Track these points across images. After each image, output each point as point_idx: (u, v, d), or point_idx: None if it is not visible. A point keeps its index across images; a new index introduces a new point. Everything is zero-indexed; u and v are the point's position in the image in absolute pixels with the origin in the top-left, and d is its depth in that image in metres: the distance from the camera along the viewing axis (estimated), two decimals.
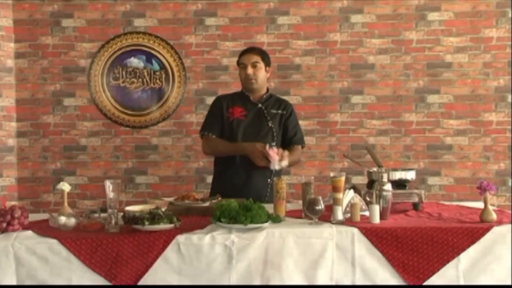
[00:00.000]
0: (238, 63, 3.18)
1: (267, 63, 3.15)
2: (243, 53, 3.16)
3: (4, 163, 4.34)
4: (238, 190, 2.91)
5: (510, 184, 4.29)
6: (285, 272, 2.17)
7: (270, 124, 3.11)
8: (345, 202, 2.41)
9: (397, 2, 4.32)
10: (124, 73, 4.41)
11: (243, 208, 2.27)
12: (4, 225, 2.20)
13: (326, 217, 2.36)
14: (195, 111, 4.39)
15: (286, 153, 2.86)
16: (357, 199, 2.45)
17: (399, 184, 2.67)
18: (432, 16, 4.30)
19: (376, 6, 4.33)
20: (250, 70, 3.08)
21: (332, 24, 4.35)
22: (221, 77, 4.36)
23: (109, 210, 2.24)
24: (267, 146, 2.85)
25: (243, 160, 3.01)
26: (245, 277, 2.17)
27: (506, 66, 4.28)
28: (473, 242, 2.20)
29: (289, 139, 3.16)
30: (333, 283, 2.19)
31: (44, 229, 2.29)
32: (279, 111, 3.16)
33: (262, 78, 3.13)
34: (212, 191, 3.17)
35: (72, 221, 2.29)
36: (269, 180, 3.05)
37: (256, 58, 3.09)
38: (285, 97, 4.29)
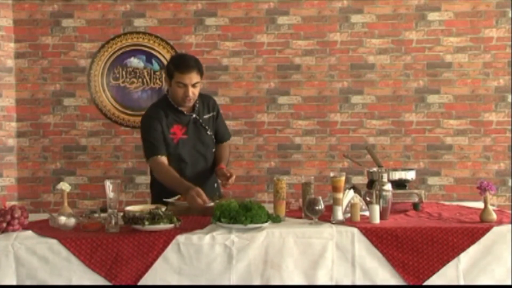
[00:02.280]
0: (172, 76, 2.84)
1: (202, 75, 2.91)
2: (182, 70, 2.80)
3: (4, 163, 4.34)
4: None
5: (510, 184, 4.29)
6: (285, 272, 2.17)
7: (209, 133, 3.00)
8: (345, 202, 2.41)
9: (397, 2, 4.32)
10: (124, 73, 4.41)
11: (243, 208, 2.27)
12: (4, 225, 2.20)
13: (326, 217, 2.36)
14: None
15: (233, 178, 2.85)
16: (357, 199, 2.46)
17: (399, 184, 2.68)
18: (432, 16, 4.30)
19: (376, 6, 4.33)
20: (191, 92, 2.82)
21: (332, 24, 4.34)
22: (221, 77, 4.36)
23: (109, 210, 2.25)
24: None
25: (189, 156, 2.93)
26: (245, 277, 2.17)
27: (506, 66, 4.28)
28: (473, 242, 2.21)
29: (219, 138, 3.11)
30: (333, 283, 2.19)
31: (44, 229, 2.29)
32: (210, 114, 3.03)
33: (198, 93, 2.92)
34: (153, 198, 3.03)
35: (72, 221, 2.30)
36: (215, 184, 3.05)
37: (196, 78, 2.82)
38: (285, 97, 4.36)
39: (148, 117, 2.98)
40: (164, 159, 2.87)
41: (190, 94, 2.83)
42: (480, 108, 4.30)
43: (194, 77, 2.82)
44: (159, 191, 2.88)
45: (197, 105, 2.98)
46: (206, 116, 3.01)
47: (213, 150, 3.06)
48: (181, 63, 2.84)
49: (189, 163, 2.93)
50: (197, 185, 2.65)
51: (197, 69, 2.83)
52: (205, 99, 3.05)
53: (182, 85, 2.82)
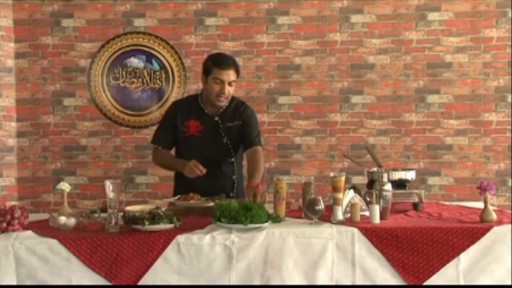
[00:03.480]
0: (210, 72, 2.85)
1: (239, 75, 2.94)
2: (221, 66, 2.83)
3: (4, 163, 4.34)
4: (202, 187, 2.76)
5: (510, 184, 4.29)
6: (285, 272, 2.17)
7: (225, 141, 2.95)
8: (345, 202, 2.41)
9: (397, 2, 4.32)
10: (124, 73, 4.41)
11: (243, 208, 2.27)
12: (4, 225, 2.20)
13: (326, 217, 2.36)
14: None
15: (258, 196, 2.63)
16: (357, 199, 2.45)
17: (399, 184, 2.67)
18: (432, 16, 4.30)
19: (376, 6, 4.33)
20: (227, 90, 2.84)
21: (332, 24, 4.35)
22: None
23: (109, 210, 2.24)
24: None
25: (198, 156, 2.87)
26: (245, 277, 2.17)
27: (506, 66, 4.28)
28: (473, 242, 2.20)
29: (248, 143, 2.98)
30: (333, 283, 2.19)
31: (44, 229, 2.29)
32: (235, 123, 2.97)
33: (232, 93, 2.93)
34: (175, 190, 3.05)
35: (72, 221, 2.29)
36: (233, 176, 3.04)
37: (234, 76, 2.86)
38: (285, 97, 4.37)
39: (172, 105, 3.14)
40: (162, 150, 3.02)
41: (226, 92, 2.85)
42: (480, 108, 4.30)
43: (231, 75, 2.86)
44: (181, 184, 2.96)
45: (224, 109, 2.96)
46: (229, 124, 2.97)
47: (231, 159, 3.01)
48: (220, 60, 2.90)
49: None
50: (208, 167, 2.73)
51: (235, 67, 2.88)
52: (238, 107, 3.01)
53: (219, 81, 2.85)
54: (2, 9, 4.32)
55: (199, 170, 2.70)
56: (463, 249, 2.20)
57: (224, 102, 2.92)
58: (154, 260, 2.14)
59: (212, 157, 2.93)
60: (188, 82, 4.40)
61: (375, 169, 2.72)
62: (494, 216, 2.33)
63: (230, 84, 2.86)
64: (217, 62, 2.87)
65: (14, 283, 2.13)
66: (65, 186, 2.58)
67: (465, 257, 2.21)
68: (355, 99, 4.35)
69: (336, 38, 4.35)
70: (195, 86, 4.39)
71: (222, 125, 2.96)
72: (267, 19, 4.36)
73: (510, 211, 2.58)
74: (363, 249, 2.21)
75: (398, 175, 2.70)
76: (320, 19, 4.35)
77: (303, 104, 4.36)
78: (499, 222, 2.30)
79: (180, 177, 2.97)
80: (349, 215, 2.38)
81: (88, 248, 2.12)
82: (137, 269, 2.13)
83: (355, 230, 2.23)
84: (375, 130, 4.36)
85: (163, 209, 2.35)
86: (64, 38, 4.40)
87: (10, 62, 4.37)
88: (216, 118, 2.96)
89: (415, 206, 2.65)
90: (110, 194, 2.24)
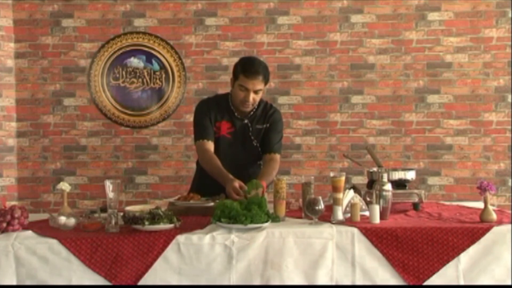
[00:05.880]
0: (237, 78, 2.82)
1: (267, 83, 2.89)
2: (247, 74, 2.76)
3: (4, 163, 4.34)
4: (221, 188, 2.71)
5: (510, 184, 4.29)
6: (285, 272, 2.17)
7: (255, 143, 2.94)
8: (345, 202, 2.41)
9: (397, 2, 4.32)
10: (124, 73, 4.41)
11: (243, 208, 2.27)
12: (4, 225, 2.20)
13: (326, 217, 2.36)
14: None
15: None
16: (357, 199, 2.45)
17: (399, 184, 2.67)
18: (432, 16, 4.31)
19: (376, 6, 4.33)
20: (251, 98, 2.79)
21: (332, 24, 4.35)
22: (221, 77, 4.36)
23: (109, 210, 2.24)
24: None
25: (227, 158, 2.88)
26: (245, 277, 2.17)
27: (506, 66, 4.28)
28: (473, 242, 2.20)
29: (267, 149, 2.95)
30: (333, 283, 2.19)
31: (44, 229, 2.29)
32: (264, 125, 2.95)
33: (258, 100, 2.88)
34: (192, 188, 3.06)
35: (72, 221, 2.29)
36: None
37: (261, 85, 2.80)
38: (285, 97, 4.37)
39: (203, 102, 3.02)
40: (210, 144, 2.88)
41: (250, 99, 2.80)
42: (480, 108, 4.30)
43: (258, 84, 2.79)
44: (200, 183, 2.97)
45: (253, 112, 2.93)
46: (258, 126, 2.95)
47: (259, 162, 2.99)
48: (249, 67, 2.80)
49: (225, 163, 2.80)
50: (230, 168, 2.70)
51: (263, 76, 2.80)
52: (267, 109, 2.98)
53: (244, 89, 2.79)
54: (2, 9, 4.32)
55: (239, 196, 2.53)
56: (463, 249, 2.20)
57: (249, 108, 2.87)
58: (154, 260, 2.14)
59: (241, 159, 2.92)
60: (188, 82, 4.40)
61: (375, 169, 2.73)
62: (494, 216, 2.33)
63: (256, 92, 2.81)
64: (244, 69, 2.79)
65: (14, 283, 2.13)
66: (65, 186, 2.58)
67: (465, 257, 2.21)
68: (355, 99, 4.35)
69: (336, 38, 4.35)
70: (195, 86, 4.39)
71: (251, 128, 2.94)
72: (267, 19, 4.36)
73: (510, 211, 2.58)
74: (363, 249, 2.21)
75: (398, 175, 2.70)
76: (320, 19, 4.35)
77: (303, 104, 4.36)
78: (499, 222, 2.30)
79: (202, 173, 2.96)
80: (349, 215, 2.38)
81: (88, 248, 2.12)
82: (137, 269, 2.13)
83: (355, 230, 2.23)
84: (375, 130, 4.36)
85: (163, 209, 2.35)
86: (64, 38, 4.41)
87: (10, 62, 4.38)
88: (246, 121, 2.93)
89: (415, 206, 2.65)
90: (110, 194, 2.24)
